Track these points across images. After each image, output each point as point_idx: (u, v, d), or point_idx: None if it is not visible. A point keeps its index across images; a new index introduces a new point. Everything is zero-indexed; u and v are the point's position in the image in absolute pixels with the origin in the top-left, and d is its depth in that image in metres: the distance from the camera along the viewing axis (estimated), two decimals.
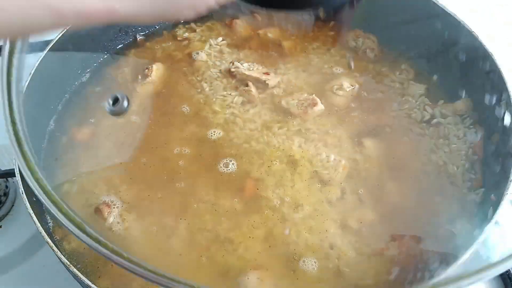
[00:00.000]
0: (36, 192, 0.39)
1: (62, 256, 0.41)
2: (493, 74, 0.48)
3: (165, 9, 0.21)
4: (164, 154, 0.48)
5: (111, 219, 0.44)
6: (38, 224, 0.43)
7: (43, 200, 0.38)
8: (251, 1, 0.26)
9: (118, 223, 0.44)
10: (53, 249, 0.41)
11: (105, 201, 0.45)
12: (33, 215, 0.43)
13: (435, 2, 0.53)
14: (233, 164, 0.47)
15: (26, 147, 0.41)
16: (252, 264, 0.42)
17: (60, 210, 0.37)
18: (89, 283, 0.39)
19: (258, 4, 0.26)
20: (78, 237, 0.37)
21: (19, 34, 0.20)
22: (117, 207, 0.45)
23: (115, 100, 0.41)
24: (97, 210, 0.44)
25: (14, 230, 0.58)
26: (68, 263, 0.40)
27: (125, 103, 0.40)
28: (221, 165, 0.47)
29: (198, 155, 0.48)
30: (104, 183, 0.46)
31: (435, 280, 0.38)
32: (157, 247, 0.43)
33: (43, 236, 0.43)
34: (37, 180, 0.39)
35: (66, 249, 0.45)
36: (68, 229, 0.37)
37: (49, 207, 0.38)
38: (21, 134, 0.41)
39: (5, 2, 0.18)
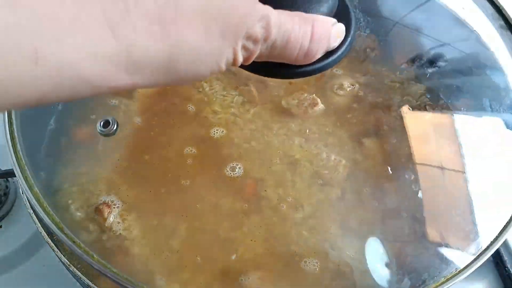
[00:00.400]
0: (24, 191, 0.39)
1: (62, 256, 0.41)
2: (494, 74, 0.48)
3: (175, 80, 0.26)
4: (165, 154, 0.48)
5: (111, 219, 0.44)
6: (38, 224, 0.43)
7: (34, 206, 0.39)
8: (246, 68, 0.30)
9: (118, 223, 0.44)
10: (53, 249, 0.42)
11: (105, 201, 0.45)
12: (33, 215, 0.43)
13: (436, 1, 0.53)
14: (239, 168, 0.47)
15: (19, 148, 0.41)
16: (252, 265, 0.42)
17: (52, 219, 0.38)
18: (89, 282, 0.39)
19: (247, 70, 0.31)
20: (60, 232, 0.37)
21: (56, 100, 0.23)
22: (117, 207, 0.45)
23: (106, 123, 0.45)
24: (97, 210, 0.44)
25: (14, 230, 0.58)
26: (68, 263, 0.40)
27: (114, 127, 0.45)
28: (228, 169, 0.47)
29: (200, 155, 0.48)
30: (104, 183, 0.46)
31: (436, 280, 0.38)
32: (157, 247, 0.43)
33: (43, 236, 0.43)
34: (30, 187, 0.39)
35: (66, 249, 0.45)
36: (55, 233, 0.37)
37: (40, 215, 0.38)
38: (16, 134, 0.42)
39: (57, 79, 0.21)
